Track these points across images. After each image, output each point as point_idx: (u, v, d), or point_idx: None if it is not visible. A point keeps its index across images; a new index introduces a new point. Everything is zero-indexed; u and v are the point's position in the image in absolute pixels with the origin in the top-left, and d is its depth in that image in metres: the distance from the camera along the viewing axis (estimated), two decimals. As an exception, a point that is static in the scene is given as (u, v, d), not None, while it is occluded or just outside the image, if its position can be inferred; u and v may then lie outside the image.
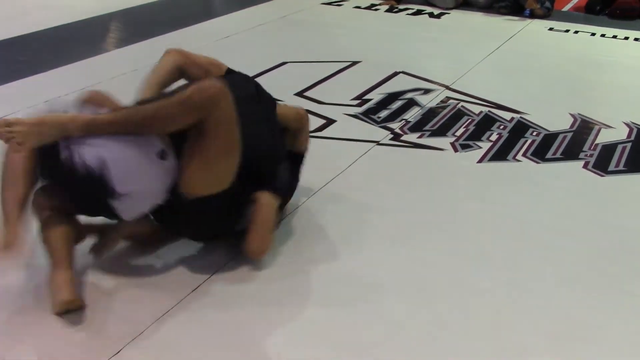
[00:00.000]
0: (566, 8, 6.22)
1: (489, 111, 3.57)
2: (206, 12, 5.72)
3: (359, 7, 5.96)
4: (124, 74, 3.89)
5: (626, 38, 5.21)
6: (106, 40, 5.00)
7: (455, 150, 3.13)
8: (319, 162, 2.74)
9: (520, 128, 3.36)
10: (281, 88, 3.82)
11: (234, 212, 2.17)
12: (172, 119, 1.90)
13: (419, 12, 5.80)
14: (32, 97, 3.40)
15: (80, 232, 2.10)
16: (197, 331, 1.92)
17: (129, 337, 1.86)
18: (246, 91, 2.24)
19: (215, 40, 4.81)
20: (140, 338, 1.87)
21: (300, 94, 3.76)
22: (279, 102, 2.48)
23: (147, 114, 1.92)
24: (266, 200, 2.18)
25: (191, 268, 2.19)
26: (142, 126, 1.91)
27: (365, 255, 2.30)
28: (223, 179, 2.03)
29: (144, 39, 4.67)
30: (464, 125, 3.39)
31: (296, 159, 2.49)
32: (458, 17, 5.67)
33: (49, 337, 1.88)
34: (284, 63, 4.30)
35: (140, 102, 2.08)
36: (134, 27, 5.29)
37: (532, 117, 3.48)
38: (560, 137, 3.27)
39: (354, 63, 4.34)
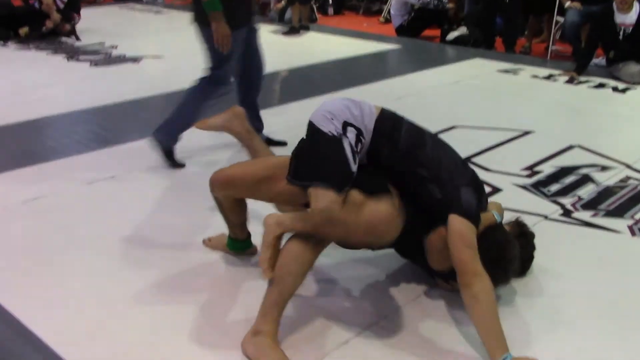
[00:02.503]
0: None
1: (675, 196, 3.29)
2: (381, 73, 5.89)
3: (536, 77, 5.82)
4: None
5: None
6: (277, 96, 5.32)
7: (633, 234, 2.91)
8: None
9: None
10: (449, 152, 3.81)
11: None
12: None
13: (601, 86, 5.53)
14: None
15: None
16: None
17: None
18: None
19: (388, 101, 4.91)
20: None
21: (468, 159, 3.72)
22: None
23: None
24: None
25: (371, 303, 2.27)
26: None
27: (521, 337, 2.19)
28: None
29: (319, 95, 4.89)
30: (645, 209, 3.14)
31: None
32: (645, 93, 5.33)
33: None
34: (453, 127, 4.29)
35: None
36: (310, 84, 5.57)
37: None
38: None
39: (526, 133, 4.22)
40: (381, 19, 9.37)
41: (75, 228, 2.89)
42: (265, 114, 3.99)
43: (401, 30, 8.13)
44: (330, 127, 2.12)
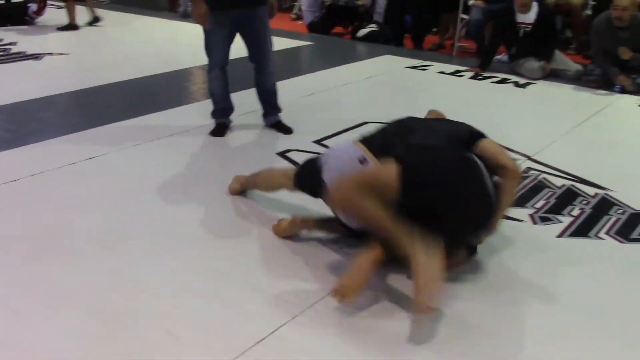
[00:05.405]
0: (659, 85, 6.03)
1: (571, 185, 3.47)
2: (293, 70, 5.90)
3: (443, 73, 6.00)
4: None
5: None
6: (187, 93, 5.24)
7: (534, 222, 3.06)
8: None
9: (605, 205, 3.25)
10: (361, 147, 3.87)
11: None
12: None
13: (504, 81, 5.78)
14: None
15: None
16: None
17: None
18: None
19: (300, 97, 4.95)
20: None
21: (379, 154, 3.79)
22: None
23: None
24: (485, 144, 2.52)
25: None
26: None
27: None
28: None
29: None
30: (545, 198, 3.31)
31: None
32: (544, 88, 5.60)
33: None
34: (365, 123, 4.36)
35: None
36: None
37: (617, 194, 3.36)
38: (647, 217, 3.14)
39: (435, 127, 4.35)
40: (292, 15, 9.39)
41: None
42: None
43: (313, 27, 8.18)
44: None
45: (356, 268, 2.28)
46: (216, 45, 3.84)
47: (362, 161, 2.48)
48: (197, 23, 3.76)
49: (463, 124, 2.72)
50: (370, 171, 2.41)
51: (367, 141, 2.61)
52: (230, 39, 3.88)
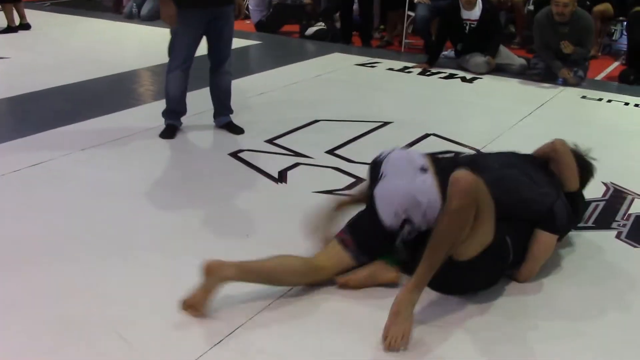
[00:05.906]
0: (599, 77, 6.23)
1: (519, 176, 3.55)
2: (243, 70, 5.85)
3: (391, 69, 6.06)
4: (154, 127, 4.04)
5: (660, 109, 5.18)
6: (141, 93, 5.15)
7: (485, 214, 3.11)
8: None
9: (552, 195, 3.33)
10: (312, 145, 3.89)
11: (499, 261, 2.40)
12: None
13: (451, 76, 5.87)
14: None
15: None
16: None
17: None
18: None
19: (250, 97, 4.92)
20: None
21: (331, 151, 3.81)
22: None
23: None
24: (543, 239, 2.49)
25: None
26: None
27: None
28: (484, 240, 2.29)
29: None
30: (494, 190, 3.36)
31: (571, 197, 2.69)
32: (490, 82, 5.71)
33: None
34: (316, 121, 4.36)
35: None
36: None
37: (563, 184, 3.45)
38: (593, 205, 3.23)
39: (386, 123, 4.39)
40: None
41: None
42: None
43: (260, 26, 8.14)
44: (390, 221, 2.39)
45: (369, 275, 2.36)
46: (182, 46, 3.82)
47: (423, 170, 2.48)
48: (166, 23, 3.74)
49: (550, 200, 2.55)
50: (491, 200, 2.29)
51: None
52: (197, 40, 3.85)
